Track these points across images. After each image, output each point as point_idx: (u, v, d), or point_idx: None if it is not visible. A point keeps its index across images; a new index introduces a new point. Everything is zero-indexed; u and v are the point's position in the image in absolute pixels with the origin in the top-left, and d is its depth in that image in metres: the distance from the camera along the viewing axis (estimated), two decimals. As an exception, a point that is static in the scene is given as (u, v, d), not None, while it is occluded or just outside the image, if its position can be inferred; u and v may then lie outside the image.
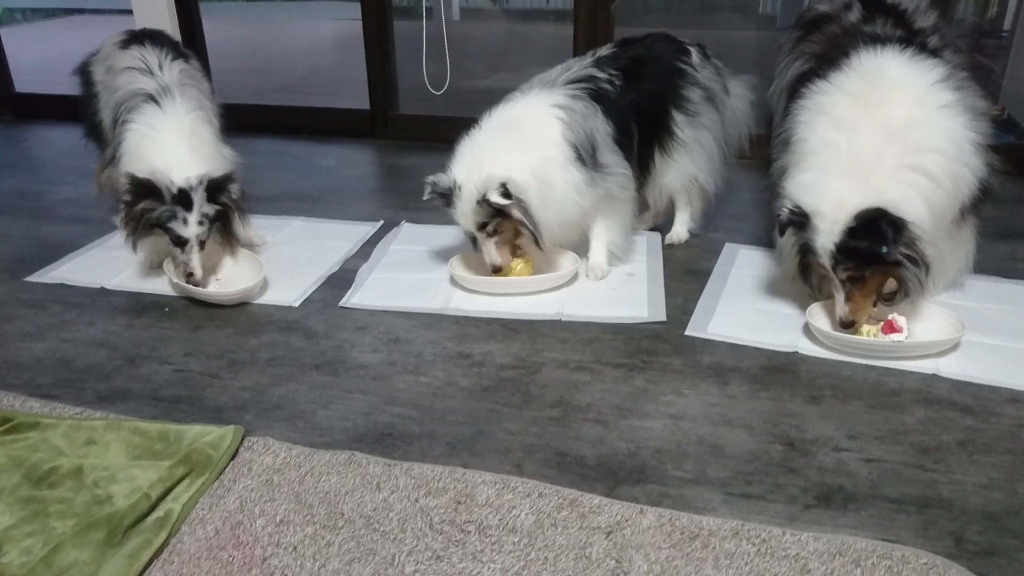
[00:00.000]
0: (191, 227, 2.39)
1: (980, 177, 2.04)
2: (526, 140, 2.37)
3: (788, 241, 2.20)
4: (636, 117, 2.56)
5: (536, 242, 2.38)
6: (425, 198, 2.42)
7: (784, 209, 2.07)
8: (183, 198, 2.37)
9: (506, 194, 2.26)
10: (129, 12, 4.03)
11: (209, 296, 2.47)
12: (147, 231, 2.43)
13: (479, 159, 2.34)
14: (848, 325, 2.07)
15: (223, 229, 2.53)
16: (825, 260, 2.02)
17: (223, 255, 2.62)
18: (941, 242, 2.04)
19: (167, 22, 3.96)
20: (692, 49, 2.68)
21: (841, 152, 2.02)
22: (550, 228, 2.39)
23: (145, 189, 2.36)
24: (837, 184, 1.98)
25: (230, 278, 2.58)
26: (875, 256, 1.95)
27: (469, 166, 2.34)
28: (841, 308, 2.07)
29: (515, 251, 2.50)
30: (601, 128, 2.46)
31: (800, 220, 2.04)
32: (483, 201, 2.29)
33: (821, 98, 2.12)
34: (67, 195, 3.45)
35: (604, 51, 2.64)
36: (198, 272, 2.44)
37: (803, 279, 2.24)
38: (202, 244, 2.44)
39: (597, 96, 2.47)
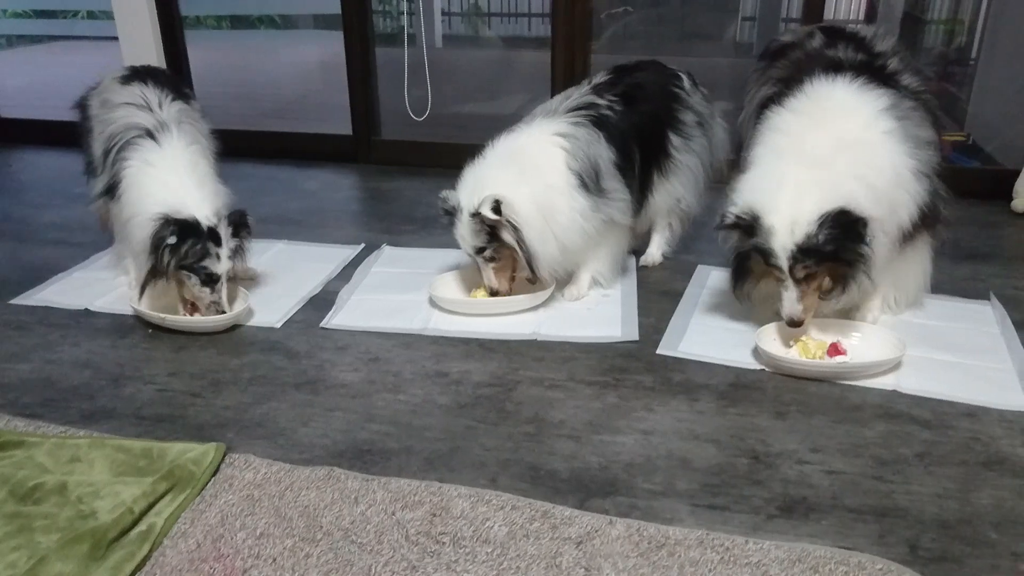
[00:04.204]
0: (223, 263, 2.40)
1: (921, 203, 2.12)
2: (528, 169, 2.40)
3: (727, 245, 2.22)
4: (637, 140, 2.59)
5: (531, 269, 2.41)
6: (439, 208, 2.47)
7: (729, 214, 2.12)
8: (213, 235, 2.37)
9: (496, 210, 2.31)
10: (114, 39, 4.07)
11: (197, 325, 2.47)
12: (175, 273, 2.38)
13: (481, 185, 2.38)
14: (798, 324, 2.13)
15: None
16: (783, 261, 2.05)
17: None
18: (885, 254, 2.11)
19: (152, 48, 4.00)
20: (683, 76, 2.76)
21: (794, 151, 2.08)
22: (551, 257, 2.42)
23: (187, 228, 2.34)
24: (793, 176, 2.04)
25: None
26: (832, 254, 2.02)
27: (471, 191, 2.39)
28: (794, 306, 2.10)
29: (515, 279, 2.55)
30: (604, 154, 2.48)
31: (749, 223, 2.09)
32: (476, 215, 2.34)
33: (775, 119, 2.21)
34: (52, 219, 3.48)
35: (600, 78, 2.68)
36: (227, 307, 2.45)
37: (736, 285, 2.25)
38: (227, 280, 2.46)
39: (599, 123, 2.50)
